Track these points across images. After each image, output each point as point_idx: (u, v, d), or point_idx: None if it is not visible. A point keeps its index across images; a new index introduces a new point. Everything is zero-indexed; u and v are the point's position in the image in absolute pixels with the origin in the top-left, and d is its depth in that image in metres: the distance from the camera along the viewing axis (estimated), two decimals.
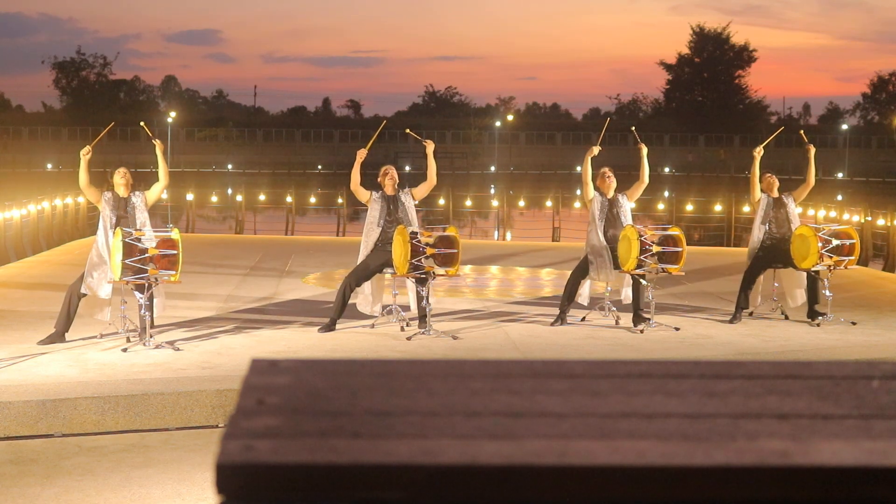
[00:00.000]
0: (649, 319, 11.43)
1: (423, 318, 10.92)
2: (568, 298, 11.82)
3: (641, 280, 11.48)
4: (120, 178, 10.49)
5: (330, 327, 11.05)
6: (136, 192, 10.57)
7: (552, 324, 11.69)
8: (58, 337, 10.16)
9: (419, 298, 10.95)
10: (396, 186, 11.39)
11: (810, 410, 1.36)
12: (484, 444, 1.21)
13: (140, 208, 10.44)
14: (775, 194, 12.25)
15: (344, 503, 1.14)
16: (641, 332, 11.29)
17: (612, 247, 11.62)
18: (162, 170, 10.82)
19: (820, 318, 11.90)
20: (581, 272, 11.78)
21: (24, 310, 12.13)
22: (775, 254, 12.07)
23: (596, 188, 11.86)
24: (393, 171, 11.48)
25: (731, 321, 12.00)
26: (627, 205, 11.85)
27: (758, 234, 12.19)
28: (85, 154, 10.54)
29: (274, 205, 31.07)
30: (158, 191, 10.74)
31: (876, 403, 1.39)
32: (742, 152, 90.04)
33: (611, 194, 11.83)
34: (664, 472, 1.16)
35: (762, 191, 12.26)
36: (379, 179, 11.44)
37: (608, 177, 11.85)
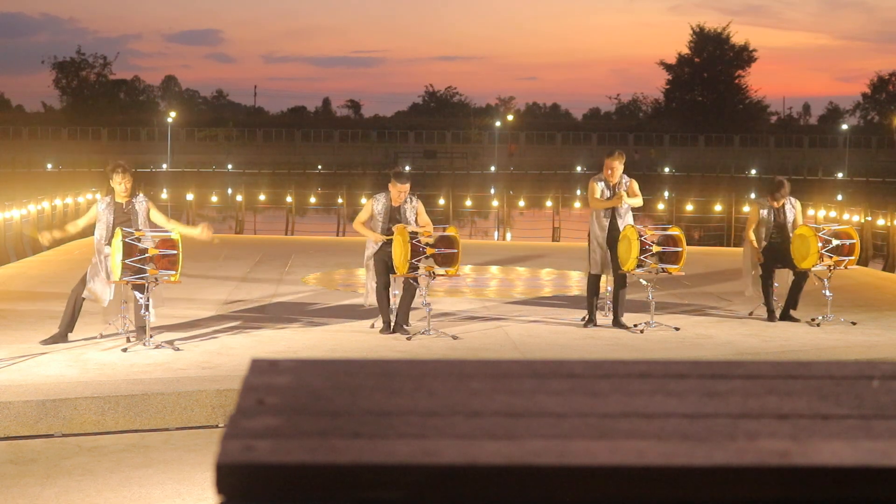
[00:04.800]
0: (629, 328, 11.37)
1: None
2: (594, 294, 11.68)
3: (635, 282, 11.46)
4: (119, 186, 10.26)
5: (386, 330, 11.01)
6: (138, 198, 10.41)
7: (585, 325, 11.57)
8: (60, 337, 10.15)
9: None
10: (404, 198, 11.23)
11: (810, 410, 1.36)
12: (484, 444, 1.21)
13: (141, 215, 10.25)
14: (778, 205, 12.18)
15: (344, 503, 1.14)
16: (641, 332, 11.28)
17: (614, 237, 11.48)
18: (178, 228, 10.40)
19: (795, 321, 11.92)
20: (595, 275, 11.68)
21: (24, 310, 12.13)
22: (777, 254, 12.06)
23: (602, 178, 11.67)
24: (406, 192, 11.19)
25: (769, 319, 11.96)
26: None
27: (761, 243, 12.10)
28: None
29: (274, 205, 31.09)
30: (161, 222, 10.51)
31: (876, 403, 1.39)
32: (742, 152, 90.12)
33: (616, 180, 11.61)
34: (664, 472, 1.16)
35: (768, 206, 12.15)
36: (391, 186, 11.16)
37: (616, 168, 11.60)
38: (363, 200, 32.25)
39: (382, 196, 11.24)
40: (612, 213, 11.52)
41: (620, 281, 11.57)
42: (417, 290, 10.93)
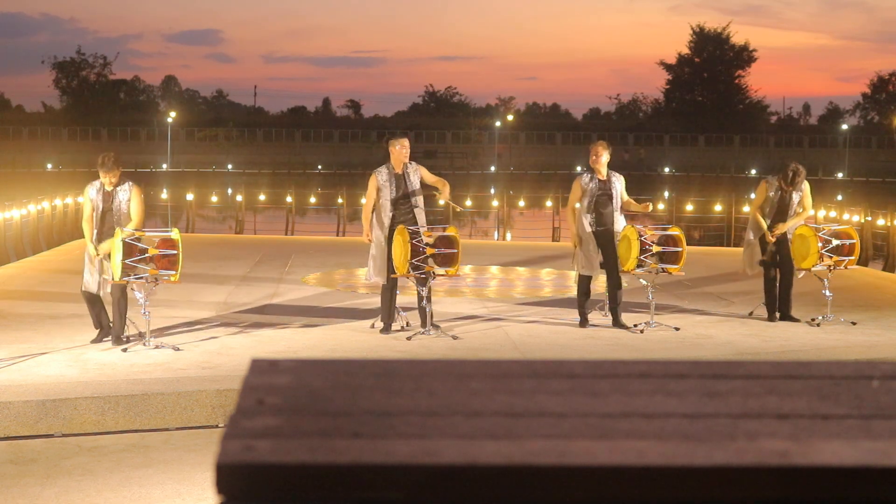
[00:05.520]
0: (629, 328, 11.38)
1: (422, 318, 10.89)
2: (584, 295, 11.68)
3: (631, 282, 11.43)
4: (105, 179, 10.18)
5: (387, 331, 10.99)
6: (123, 187, 10.25)
7: (581, 326, 11.54)
8: (103, 334, 10.12)
9: (419, 299, 10.93)
10: (406, 163, 11.12)
11: (810, 410, 1.36)
12: (484, 444, 1.21)
13: (123, 204, 10.16)
14: (790, 189, 12.02)
15: (344, 503, 1.14)
16: (641, 332, 11.28)
17: (603, 231, 11.46)
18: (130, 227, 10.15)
19: (795, 321, 11.89)
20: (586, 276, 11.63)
21: (24, 310, 12.13)
22: (779, 250, 11.97)
23: (588, 169, 11.67)
24: (408, 145, 11.18)
25: (769, 319, 11.94)
26: (619, 185, 11.54)
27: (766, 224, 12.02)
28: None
29: (274, 205, 31.08)
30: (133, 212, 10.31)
31: (876, 403, 1.39)
32: (742, 152, 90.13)
33: (603, 174, 11.52)
34: (664, 472, 1.16)
35: (777, 187, 12.02)
36: (392, 149, 11.12)
37: (601, 154, 11.48)
38: (363, 200, 32.31)
39: (383, 168, 11.17)
40: (597, 211, 11.47)
41: (617, 281, 11.54)
42: (418, 290, 10.93)
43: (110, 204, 10.21)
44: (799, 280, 12.23)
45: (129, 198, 10.25)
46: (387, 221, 11.02)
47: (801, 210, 12.08)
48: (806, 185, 12.09)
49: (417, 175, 11.13)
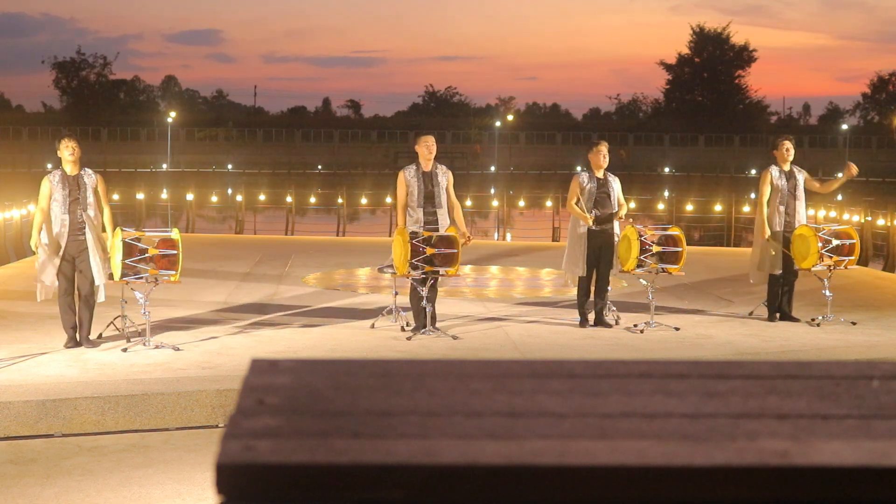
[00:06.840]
0: (611, 325, 11.40)
1: (423, 318, 10.89)
2: (584, 295, 11.67)
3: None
4: (68, 154, 9.93)
5: (418, 331, 10.89)
6: (87, 171, 10.06)
7: (581, 326, 11.53)
8: (70, 341, 10.04)
9: (420, 299, 10.94)
10: (433, 162, 11.12)
11: (810, 410, 1.36)
12: (484, 444, 1.21)
13: (90, 188, 9.97)
14: (788, 163, 11.93)
15: (344, 503, 1.14)
16: (641, 332, 11.28)
17: (601, 231, 11.44)
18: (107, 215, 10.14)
19: (795, 321, 11.87)
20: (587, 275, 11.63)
21: (24, 310, 12.13)
22: (783, 245, 11.89)
23: (586, 168, 11.67)
24: (433, 143, 11.17)
25: (769, 319, 11.92)
26: (616, 185, 11.56)
27: (777, 218, 11.86)
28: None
29: (274, 205, 31.08)
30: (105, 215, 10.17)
31: (876, 403, 1.39)
32: (742, 152, 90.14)
33: (601, 174, 11.56)
34: (664, 472, 1.16)
35: (780, 171, 11.94)
36: (417, 148, 11.19)
37: (604, 155, 11.47)
38: (363, 200, 32.31)
39: (412, 166, 11.19)
40: (596, 210, 11.45)
41: (604, 284, 11.53)
42: (419, 290, 10.93)
43: (77, 191, 9.93)
44: (799, 280, 12.22)
45: (95, 182, 10.08)
46: (410, 221, 11.00)
47: (818, 184, 12.09)
48: (804, 172, 12.01)
49: (446, 178, 11.12)
